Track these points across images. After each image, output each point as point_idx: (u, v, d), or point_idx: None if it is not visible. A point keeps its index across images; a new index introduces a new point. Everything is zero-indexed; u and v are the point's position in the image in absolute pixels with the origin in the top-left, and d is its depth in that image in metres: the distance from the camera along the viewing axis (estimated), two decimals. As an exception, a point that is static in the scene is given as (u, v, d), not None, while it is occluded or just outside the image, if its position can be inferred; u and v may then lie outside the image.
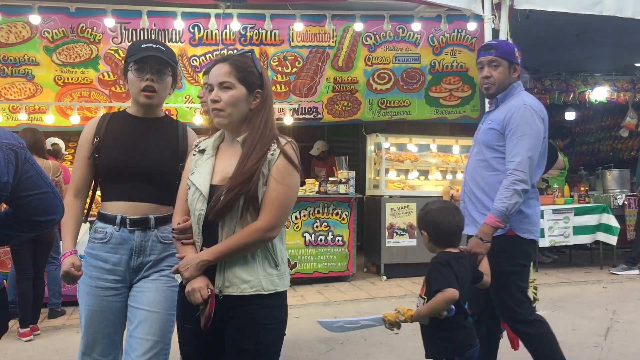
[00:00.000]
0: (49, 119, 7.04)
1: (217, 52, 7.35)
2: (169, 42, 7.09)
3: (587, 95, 9.68)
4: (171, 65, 2.56)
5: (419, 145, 8.35)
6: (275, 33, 7.40)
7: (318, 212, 7.16)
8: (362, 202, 8.14)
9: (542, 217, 7.48)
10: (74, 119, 7.07)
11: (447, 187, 7.43)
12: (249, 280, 2.08)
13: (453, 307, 2.53)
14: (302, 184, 6.94)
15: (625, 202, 8.17)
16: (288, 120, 7.46)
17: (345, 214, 7.26)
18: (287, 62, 7.64)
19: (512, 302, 3.22)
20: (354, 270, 7.40)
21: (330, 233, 7.21)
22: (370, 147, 8.39)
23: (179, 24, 7.00)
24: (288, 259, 2.38)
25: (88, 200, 2.65)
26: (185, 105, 7.33)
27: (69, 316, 5.76)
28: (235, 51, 2.28)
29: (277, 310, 2.15)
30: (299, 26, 7.26)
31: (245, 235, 2.06)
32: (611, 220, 7.65)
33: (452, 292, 2.50)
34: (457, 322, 2.59)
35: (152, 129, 2.59)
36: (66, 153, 7.16)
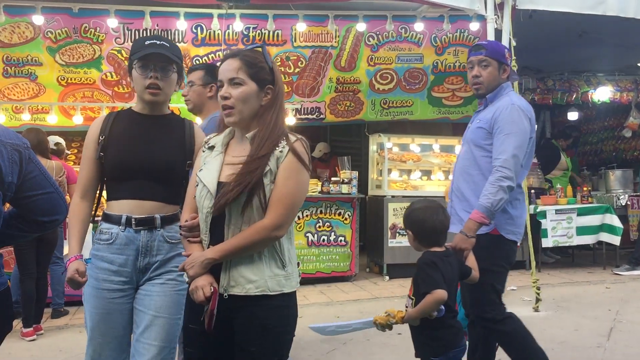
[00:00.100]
0: (52, 119, 7.05)
1: (220, 53, 7.35)
2: (171, 42, 7.08)
3: (590, 96, 9.67)
4: (176, 61, 2.51)
5: (422, 145, 8.35)
6: (277, 33, 7.40)
7: (320, 212, 7.16)
8: (365, 202, 8.15)
9: (545, 217, 7.50)
10: (77, 119, 7.08)
11: (449, 187, 7.42)
12: (255, 280, 2.04)
13: (443, 307, 2.55)
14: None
15: (628, 203, 8.17)
16: (290, 120, 7.46)
17: (348, 214, 7.26)
18: (289, 62, 7.64)
19: (484, 301, 3.23)
20: (356, 271, 7.41)
21: (332, 233, 7.21)
22: (373, 147, 8.40)
23: (181, 24, 7.00)
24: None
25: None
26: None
27: (72, 316, 5.77)
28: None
29: (283, 311, 2.09)
30: (301, 26, 7.26)
31: (252, 234, 2.01)
32: (614, 220, 7.64)
33: (440, 293, 2.52)
34: (444, 322, 2.60)
35: (158, 127, 2.55)
36: (68, 152, 7.17)
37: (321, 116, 8.02)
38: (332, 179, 7.37)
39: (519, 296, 6.39)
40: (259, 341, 2.05)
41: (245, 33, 7.29)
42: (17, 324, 5.09)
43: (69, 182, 5.61)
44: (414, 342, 2.73)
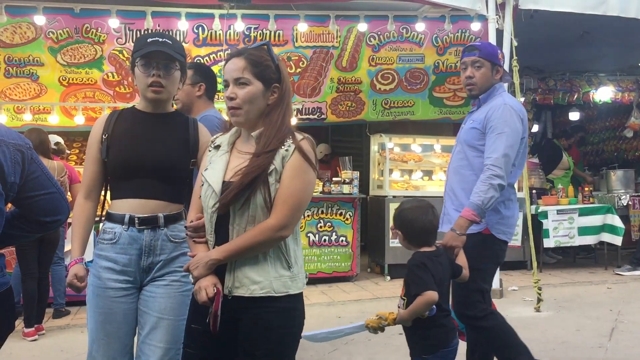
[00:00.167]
0: (54, 120, 7.07)
1: (222, 53, 7.36)
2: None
3: (591, 96, 9.66)
4: (178, 59, 2.48)
5: (423, 145, 8.35)
6: (279, 33, 7.40)
7: (322, 212, 7.16)
8: (366, 203, 8.14)
9: (546, 217, 7.50)
10: (79, 120, 7.09)
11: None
12: (259, 281, 2.00)
13: (434, 306, 2.56)
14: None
15: (630, 203, 8.15)
16: (292, 120, 7.46)
17: (349, 214, 7.26)
18: (291, 62, 7.64)
19: (468, 299, 3.24)
20: (357, 271, 7.41)
21: (334, 233, 7.21)
22: (374, 148, 8.39)
23: (183, 25, 7.00)
24: None
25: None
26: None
27: (73, 316, 5.77)
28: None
29: (288, 313, 2.05)
30: (302, 26, 7.27)
31: (256, 234, 1.98)
32: (616, 220, 7.64)
33: (431, 295, 2.52)
34: (435, 321, 2.61)
35: (161, 125, 2.52)
36: (69, 152, 7.18)
37: (322, 116, 8.02)
38: (334, 179, 7.37)
39: (520, 296, 6.39)
40: (264, 344, 2.02)
41: (247, 33, 7.30)
42: (18, 324, 5.09)
43: (71, 182, 5.62)
44: (407, 341, 2.74)
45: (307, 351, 4.55)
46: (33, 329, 5.08)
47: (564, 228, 7.59)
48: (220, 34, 7.28)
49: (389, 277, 7.35)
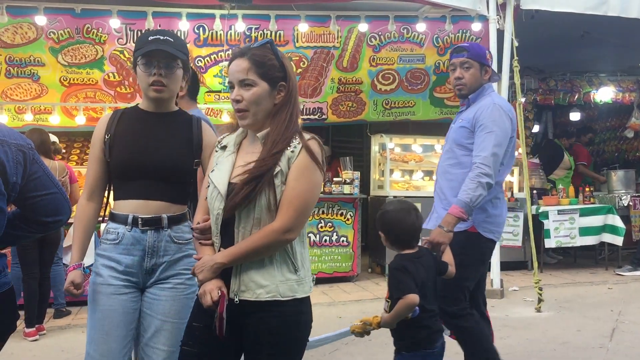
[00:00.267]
0: (55, 120, 7.07)
1: (222, 53, 7.37)
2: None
3: (592, 96, 9.65)
4: (180, 57, 2.44)
5: (424, 145, 8.35)
6: (280, 34, 7.40)
7: (322, 212, 7.16)
8: (367, 203, 8.14)
9: (547, 217, 7.50)
10: (80, 120, 7.10)
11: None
12: (266, 285, 1.96)
13: (417, 308, 2.55)
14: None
15: (631, 203, 8.15)
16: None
17: (350, 215, 7.26)
18: (291, 62, 7.62)
19: (450, 296, 3.25)
20: (358, 271, 7.41)
21: (334, 233, 7.21)
22: (375, 148, 8.39)
23: (184, 25, 7.01)
24: None
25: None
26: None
27: (74, 316, 5.77)
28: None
29: (295, 318, 2.01)
30: (303, 27, 7.27)
31: (261, 237, 1.94)
32: (616, 220, 7.64)
33: (412, 298, 2.52)
34: (419, 322, 2.61)
35: (164, 124, 2.48)
36: (64, 151, 7.17)
37: (323, 116, 8.03)
38: (334, 179, 7.37)
39: (521, 297, 6.38)
40: (268, 349, 1.98)
41: (248, 34, 7.30)
42: (19, 324, 5.10)
43: (70, 182, 5.61)
44: (393, 339, 2.76)
45: (308, 351, 4.55)
46: (34, 329, 5.09)
47: (565, 228, 7.59)
48: (221, 34, 7.28)
49: (389, 278, 7.34)
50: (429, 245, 3.04)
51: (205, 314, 2.00)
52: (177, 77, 2.47)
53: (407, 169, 8.23)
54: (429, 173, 8.30)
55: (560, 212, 7.62)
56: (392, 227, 2.70)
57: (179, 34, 7.07)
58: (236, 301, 1.97)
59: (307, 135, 2.05)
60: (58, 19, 6.92)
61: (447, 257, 2.92)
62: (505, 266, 6.90)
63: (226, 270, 1.99)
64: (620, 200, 8.19)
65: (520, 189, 7.78)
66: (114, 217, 2.43)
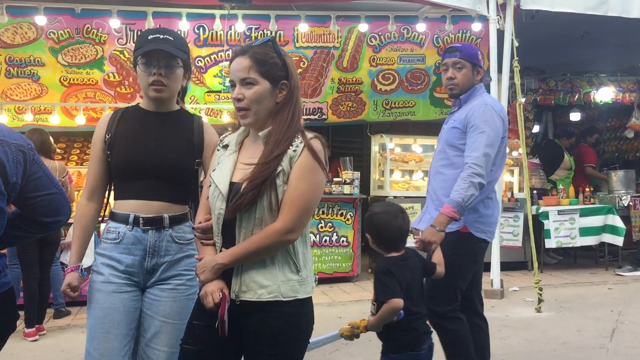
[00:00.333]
0: (55, 120, 7.07)
1: (222, 53, 7.37)
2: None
3: (592, 96, 9.64)
4: (181, 56, 2.41)
5: (424, 146, 8.34)
6: (280, 34, 7.40)
7: (323, 212, 7.16)
8: (367, 203, 8.13)
9: (547, 218, 7.50)
10: (80, 120, 7.10)
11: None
12: (267, 286, 1.94)
13: (402, 311, 2.54)
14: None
15: (631, 203, 8.15)
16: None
17: (350, 215, 7.26)
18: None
19: (441, 296, 3.26)
20: (358, 271, 7.41)
21: (334, 234, 7.21)
22: (375, 148, 8.39)
23: (184, 25, 7.01)
24: None
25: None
26: (190, 106, 7.34)
27: (74, 316, 5.77)
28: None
29: (296, 319, 1.99)
30: (303, 27, 7.27)
31: (263, 238, 1.92)
32: (617, 221, 7.63)
33: (395, 303, 2.52)
34: (405, 324, 2.60)
35: (165, 124, 2.46)
36: (59, 150, 7.17)
37: (323, 117, 8.02)
38: (334, 179, 7.37)
39: (521, 297, 6.38)
40: (269, 349, 1.96)
41: (248, 34, 7.31)
42: (19, 324, 5.09)
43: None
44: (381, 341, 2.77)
45: (308, 351, 4.55)
46: (34, 329, 5.08)
47: (565, 229, 7.59)
48: (221, 34, 7.29)
49: (389, 278, 7.33)
50: (420, 244, 3.05)
51: (206, 313, 1.98)
52: (178, 76, 2.44)
53: (407, 169, 8.23)
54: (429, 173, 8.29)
55: (560, 212, 7.62)
56: (379, 229, 2.70)
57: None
58: (237, 302, 1.96)
59: (309, 134, 2.03)
60: (58, 19, 6.92)
61: (437, 256, 2.92)
62: (505, 266, 6.90)
63: (228, 270, 1.98)
64: (621, 200, 8.18)
65: (521, 189, 7.78)
66: (114, 216, 2.41)
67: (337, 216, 7.21)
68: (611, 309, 5.78)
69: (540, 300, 5.74)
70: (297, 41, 7.56)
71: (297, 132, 2.01)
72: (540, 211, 7.55)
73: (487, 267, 6.30)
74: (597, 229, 7.71)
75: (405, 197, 7.56)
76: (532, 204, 7.04)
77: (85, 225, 2.45)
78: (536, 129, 10.42)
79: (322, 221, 7.16)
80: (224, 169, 2.06)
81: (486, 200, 3.35)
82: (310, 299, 2.06)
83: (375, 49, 7.82)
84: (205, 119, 2.66)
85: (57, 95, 7.19)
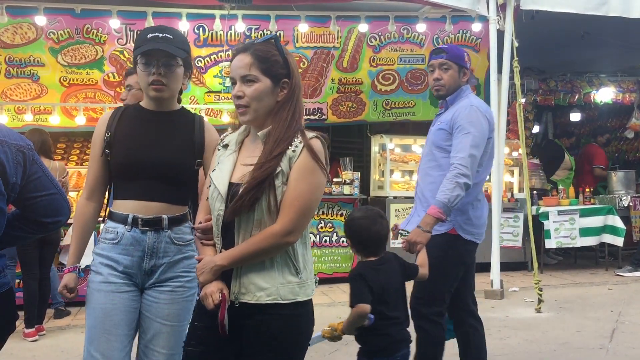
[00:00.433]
0: (55, 120, 7.06)
1: (222, 53, 7.37)
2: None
3: (592, 96, 9.64)
4: (180, 55, 2.37)
5: (424, 146, 8.32)
6: (280, 34, 7.39)
7: (322, 212, 7.16)
8: (367, 203, 8.13)
9: (547, 218, 7.50)
10: (80, 120, 7.09)
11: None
12: (266, 288, 1.91)
13: (371, 316, 2.52)
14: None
15: (631, 204, 8.15)
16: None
17: (350, 215, 7.24)
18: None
19: (427, 297, 3.26)
20: (358, 271, 7.39)
21: (334, 234, 7.21)
22: (375, 148, 8.39)
23: (183, 25, 7.01)
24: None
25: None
26: (190, 106, 7.34)
27: (74, 316, 5.77)
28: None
29: (295, 321, 1.96)
30: (303, 27, 7.27)
31: (261, 240, 1.89)
32: (617, 221, 7.64)
33: (362, 308, 2.51)
34: (378, 329, 2.58)
35: (165, 123, 2.44)
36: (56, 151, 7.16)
37: (323, 117, 8.02)
38: (334, 179, 7.38)
39: (521, 297, 6.38)
40: (267, 352, 1.94)
41: (248, 34, 7.31)
42: (19, 324, 5.09)
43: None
44: None
45: (308, 352, 4.54)
46: (34, 329, 5.08)
47: (565, 229, 7.59)
48: (221, 34, 7.29)
49: (389, 278, 7.34)
50: (407, 245, 3.06)
51: (207, 314, 1.96)
52: (178, 75, 2.42)
53: (407, 170, 8.22)
54: (429, 173, 8.28)
55: (560, 212, 7.61)
56: (358, 234, 2.69)
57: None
58: (236, 304, 1.94)
59: (310, 134, 2.00)
60: (58, 19, 6.92)
61: (422, 257, 2.92)
62: (505, 267, 6.90)
63: (228, 271, 1.96)
64: (621, 200, 8.18)
65: (521, 190, 7.78)
66: (113, 216, 2.39)
67: (337, 216, 7.21)
68: (611, 310, 5.78)
69: (540, 301, 5.74)
70: (297, 41, 7.56)
71: (297, 131, 1.98)
72: (540, 211, 7.55)
73: (487, 268, 6.31)
74: (597, 230, 7.71)
75: (405, 197, 7.56)
76: (532, 205, 7.04)
77: (84, 224, 2.44)
78: (536, 129, 10.42)
79: (322, 221, 7.16)
80: (224, 169, 2.03)
81: (475, 202, 3.35)
82: (310, 301, 2.03)
83: (375, 49, 7.82)
84: (205, 119, 2.64)
85: (57, 96, 7.18)
